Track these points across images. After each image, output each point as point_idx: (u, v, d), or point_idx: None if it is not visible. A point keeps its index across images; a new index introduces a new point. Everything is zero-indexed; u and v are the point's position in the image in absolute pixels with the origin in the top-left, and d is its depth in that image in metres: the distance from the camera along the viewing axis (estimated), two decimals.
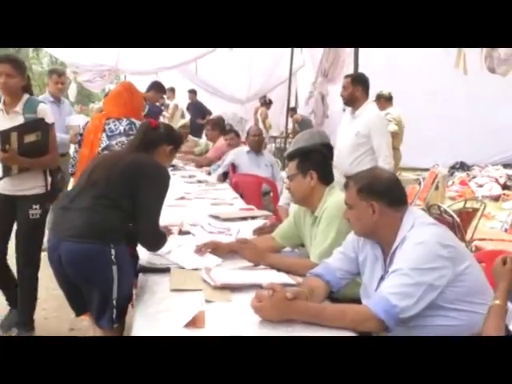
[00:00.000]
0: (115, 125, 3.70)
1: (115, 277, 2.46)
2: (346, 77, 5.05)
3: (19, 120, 3.57)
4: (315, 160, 2.92)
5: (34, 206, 3.69)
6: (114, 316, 2.49)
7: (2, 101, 3.66)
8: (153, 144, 2.83)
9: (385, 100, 7.26)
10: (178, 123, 11.21)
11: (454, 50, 7.75)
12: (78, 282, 2.53)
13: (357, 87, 4.80)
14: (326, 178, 2.92)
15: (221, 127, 7.34)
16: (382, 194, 2.20)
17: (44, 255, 3.01)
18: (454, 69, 7.63)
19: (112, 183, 2.57)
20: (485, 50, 4.75)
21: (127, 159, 2.68)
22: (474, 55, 5.57)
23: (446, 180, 8.59)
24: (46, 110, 3.72)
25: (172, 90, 12.46)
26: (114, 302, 2.47)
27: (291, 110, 12.08)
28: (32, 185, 3.71)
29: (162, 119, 11.90)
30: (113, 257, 2.46)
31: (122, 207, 2.55)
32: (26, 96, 3.66)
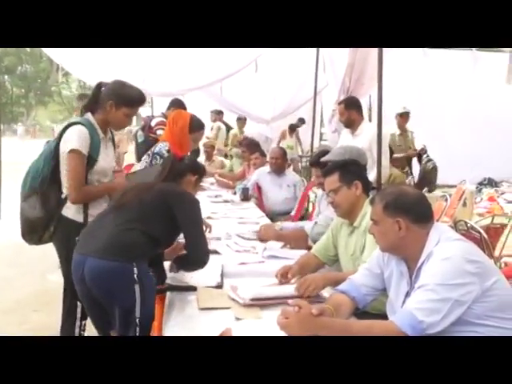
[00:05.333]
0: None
1: (138, 296, 2.50)
2: (340, 103, 5.38)
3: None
4: (356, 171, 2.99)
5: None
6: (138, 335, 2.52)
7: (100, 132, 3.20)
8: (179, 174, 2.96)
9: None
10: (221, 144, 11.31)
11: (480, 65, 7.77)
12: (101, 299, 2.57)
13: (351, 111, 5.14)
14: (369, 187, 2.99)
15: (256, 147, 7.32)
16: (408, 210, 2.20)
17: None
18: (481, 84, 7.65)
19: (142, 207, 2.66)
20: None
21: (159, 187, 2.80)
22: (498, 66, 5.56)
23: (473, 196, 8.51)
24: None
25: (216, 112, 12.36)
26: (138, 320, 2.51)
27: (299, 121, 12.24)
28: None
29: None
30: (135, 276, 2.50)
31: (149, 231, 2.61)
32: None
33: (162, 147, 3.89)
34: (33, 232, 3.10)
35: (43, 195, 3.03)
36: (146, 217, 2.64)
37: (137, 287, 2.49)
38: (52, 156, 3.07)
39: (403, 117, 7.78)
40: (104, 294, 2.55)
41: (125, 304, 2.51)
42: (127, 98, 3.16)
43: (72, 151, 2.99)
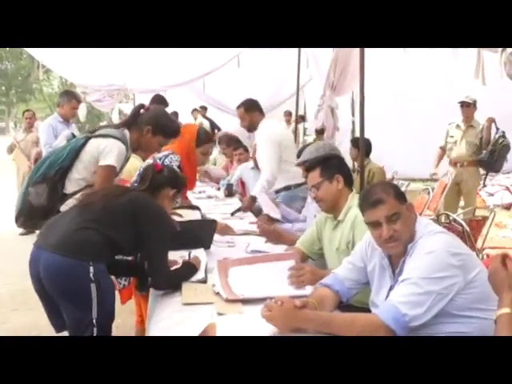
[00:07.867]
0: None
1: (94, 295, 2.45)
2: (238, 107, 5.13)
3: None
4: (337, 165, 2.98)
5: None
6: (95, 335, 2.46)
7: None
8: (157, 187, 2.85)
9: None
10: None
11: (461, 62, 7.76)
12: (56, 297, 2.52)
13: (253, 114, 4.97)
14: (351, 181, 2.98)
15: (236, 142, 7.29)
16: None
17: None
18: (462, 80, 7.62)
19: (105, 210, 2.60)
20: (504, 56, 4.68)
21: (130, 195, 2.72)
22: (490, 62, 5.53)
23: None
24: None
25: (196, 109, 12.22)
26: (95, 321, 2.46)
27: (300, 118, 12.14)
28: None
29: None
30: (91, 275, 2.43)
31: (107, 233, 2.54)
32: None
33: (173, 160, 3.90)
34: (30, 218, 3.18)
35: (54, 185, 3.13)
36: (108, 220, 2.58)
37: (93, 286, 2.44)
38: (75, 151, 3.17)
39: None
40: (57, 292, 2.49)
41: (80, 303, 2.46)
42: (165, 129, 3.29)
43: (109, 166, 3.15)
